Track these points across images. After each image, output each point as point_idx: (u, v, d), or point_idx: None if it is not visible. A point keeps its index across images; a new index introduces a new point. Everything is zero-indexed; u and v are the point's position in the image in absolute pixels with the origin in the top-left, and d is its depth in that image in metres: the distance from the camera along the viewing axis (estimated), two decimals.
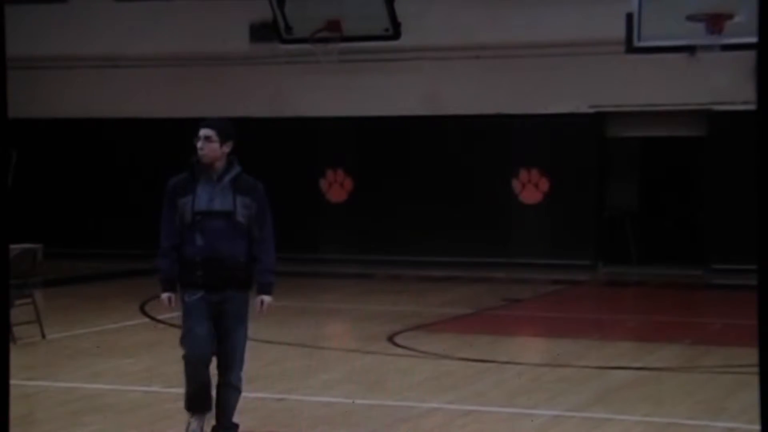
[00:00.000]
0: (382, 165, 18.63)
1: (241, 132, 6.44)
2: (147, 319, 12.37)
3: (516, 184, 18.06)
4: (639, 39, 13.87)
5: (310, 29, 16.66)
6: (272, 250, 6.32)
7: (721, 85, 16.39)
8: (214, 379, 6.35)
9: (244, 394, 6.47)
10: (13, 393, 8.85)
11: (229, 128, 6.31)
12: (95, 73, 19.75)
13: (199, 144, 6.24)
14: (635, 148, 18.86)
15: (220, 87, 18.49)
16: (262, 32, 18.32)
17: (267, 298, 6.33)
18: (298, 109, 18.74)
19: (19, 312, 10.58)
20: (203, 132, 6.25)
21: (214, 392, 6.33)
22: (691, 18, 13.40)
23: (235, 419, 6.42)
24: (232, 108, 16.96)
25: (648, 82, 17.09)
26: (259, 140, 18.66)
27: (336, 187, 18.93)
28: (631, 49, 14.16)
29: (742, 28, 12.71)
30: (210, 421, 6.36)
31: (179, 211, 6.20)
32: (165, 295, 6.32)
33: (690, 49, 14.28)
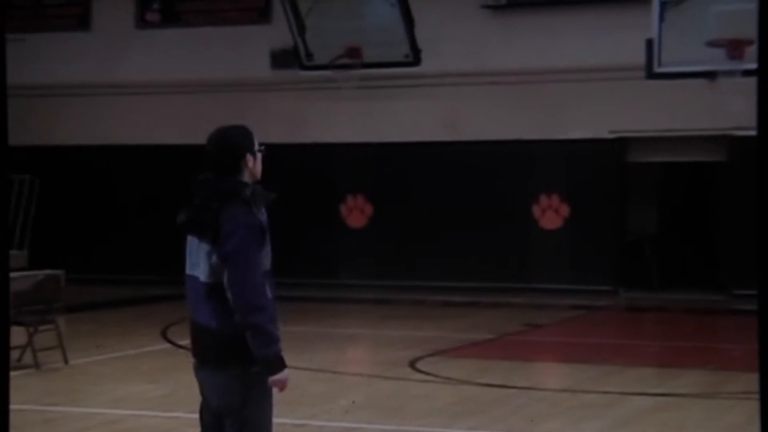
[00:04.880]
0: (401, 190, 18.65)
1: (262, 158, 6.15)
2: (168, 345, 12.40)
3: (536, 210, 18.05)
4: (659, 65, 13.86)
5: (330, 56, 16.72)
6: None
7: (742, 111, 16.34)
8: None
9: None
10: (35, 418, 8.90)
11: None
12: (117, 100, 19.89)
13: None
14: (656, 173, 18.83)
15: (241, 113, 18.52)
16: (283, 59, 18.42)
17: None
18: (319, 135, 18.81)
19: (42, 338, 10.64)
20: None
21: None
22: (711, 44, 13.39)
23: None
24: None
25: (668, 107, 17.09)
26: (279, 166, 18.70)
27: (356, 212, 18.97)
28: (651, 75, 14.14)
29: None
30: None
31: (263, 257, 4.54)
32: (287, 373, 4.53)
33: (710, 75, 14.26)
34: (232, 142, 4.71)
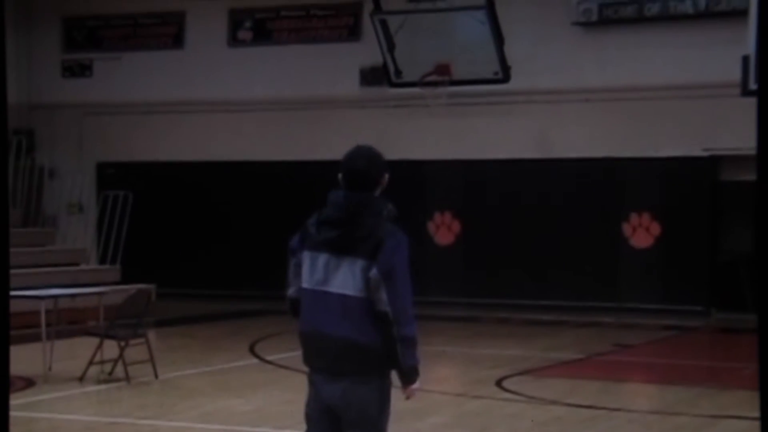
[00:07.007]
0: (490, 208, 18.57)
1: None
2: (256, 360, 12.48)
3: (626, 228, 17.83)
4: (755, 81, 13.59)
5: (419, 73, 16.75)
6: None
7: None
8: None
9: None
10: (128, 431, 8.96)
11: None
12: (209, 117, 20.15)
13: None
14: (750, 192, 18.45)
15: (330, 130, 18.68)
16: (372, 76, 18.51)
17: None
18: (407, 152, 18.81)
19: (133, 352, 10.78)
20: None
21: None
22: None
23: None
24: (341, 150, 17.08)
25: None
26: None
27: (443, 229, 18.93)
28: (746, 92, 13.87)
29: None
30: None
31: None
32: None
33: None
34: (380, 160, 4.88)
